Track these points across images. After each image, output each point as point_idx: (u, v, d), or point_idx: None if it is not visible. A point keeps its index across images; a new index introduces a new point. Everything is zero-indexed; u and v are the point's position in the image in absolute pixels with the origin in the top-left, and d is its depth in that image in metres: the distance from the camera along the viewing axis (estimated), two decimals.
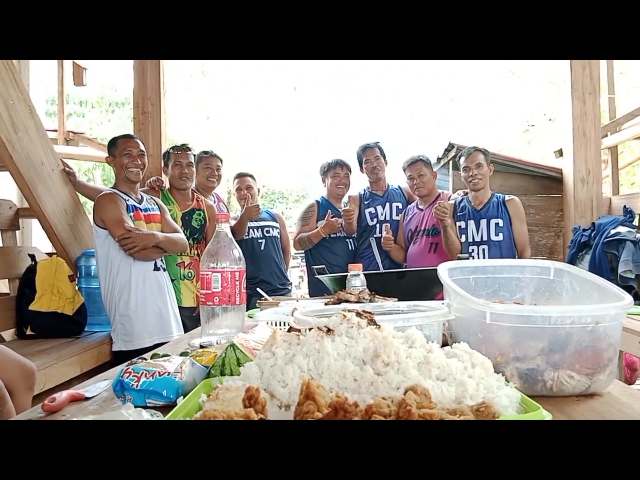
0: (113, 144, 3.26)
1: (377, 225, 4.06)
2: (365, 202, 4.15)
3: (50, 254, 3.87)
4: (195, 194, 3.80)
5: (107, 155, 3.31)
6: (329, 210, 4.00)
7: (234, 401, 0.86)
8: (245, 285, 1.61)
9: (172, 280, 3.50)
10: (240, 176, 4.27)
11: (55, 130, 6.12)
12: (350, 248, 4.12)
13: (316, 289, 3.89)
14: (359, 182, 4.42)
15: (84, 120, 15.88)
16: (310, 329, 1.00)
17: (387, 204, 4.11)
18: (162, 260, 3.31)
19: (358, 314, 1.03)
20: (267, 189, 20.54)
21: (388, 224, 3.91)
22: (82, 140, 6.36)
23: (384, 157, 4.14)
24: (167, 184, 3.80)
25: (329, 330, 0.99)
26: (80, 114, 16.15)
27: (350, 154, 4.38)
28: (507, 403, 0.87)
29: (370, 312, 1.06)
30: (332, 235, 4.06)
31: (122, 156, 3.17)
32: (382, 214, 4.09)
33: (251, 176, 4.32)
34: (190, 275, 3.61)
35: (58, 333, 3.41)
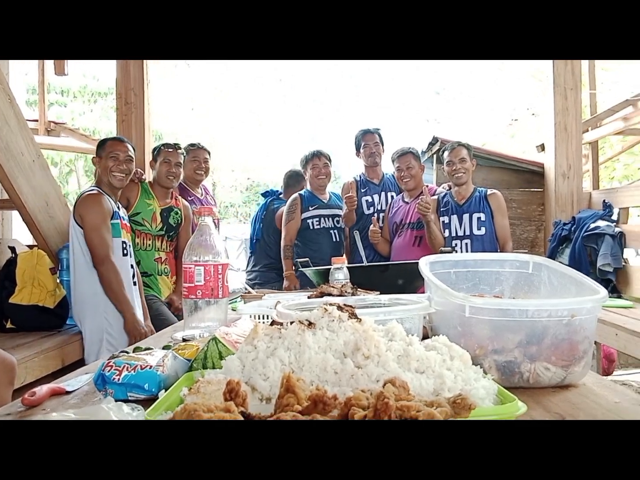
0: (102, 144, 3.19)
1: (375, 214, 4.03)
2: (362, 190, 4.13)
3: (31, 246, 3.82)
4: (174, 192, 3.76)
5: (94, 154, 3.22)
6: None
7: (215, 394, 0.87)
8: (227, 279, 1.62)
9: (150, 275, 3.54)
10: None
11: (36, 120, 6.03)
12: (334, 240, 4.12)
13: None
14: (355, 168, 4.40)
15: (66, 110, 15.70)
16: (291, 323, 1.00)
17: (383, 193, 4.12)
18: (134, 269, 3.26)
19: (339, 308, 1.04)
20: (252, 181, 20.49)
21: (375, 217, 3.92)
22: (63, 131, 6.27)
23: (382, 145, 4.14)
24: (146, 177, 3.77)
25: (310, 323, 1.00)
26: (62, 104, 15.96)
27: (334, 145, 4.36)
28: (484, 395, 0.89)
29: (351, 306, 1.07)
30: (316, 227, 4.07)
31: (108, 159, 3.10)
32: (379, 204, 4.09)
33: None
34: (166, 270, 3.64)
35: (39, 326, 3.38)
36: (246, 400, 0.78)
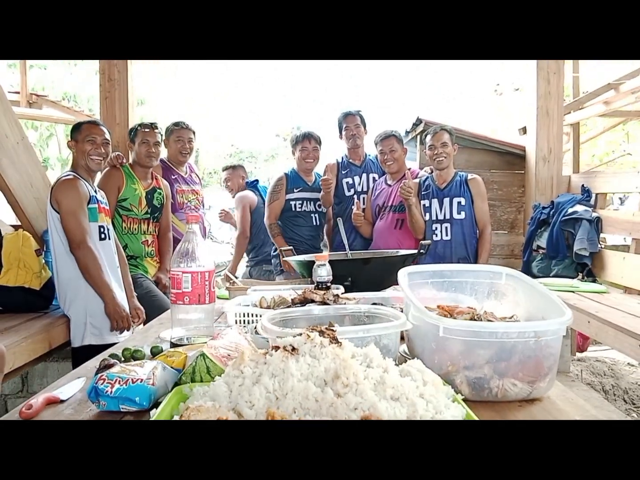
0: (77, 128, 3.13)
1: (355, 196, 4.07)
2: (343, 172, 4.16)
3: (15, 227, 3.83)
4: (153, 172, 3.76)
5: (69, 138, 3.17)
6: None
7: None
8: (214, 285, 1.67)
9: (137, 258, 3.59)
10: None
11: (18, 92, 5.94)
12: (315, 223, 4.16)
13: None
14: (338, 149, 4.40)
15: (46, 73, 15.33)
16: (276, 350, 1.07)
17: (364, 175, 4.14)
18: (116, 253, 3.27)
19: (321, 333, 1.10)
20: (236, 148, 20.33)
21: (358, 200, 3.97)
22: (45, 103, 6.18)
23: (364, 126, 4.15)
24: (127, 160, 3.78)
25: (293, 349, 1.07)
26: (42, 67, 15.57)
27: (334, 144, 4.37)
28: None
29: (332, 330, 1.13)
30: (298, 209, 4.12)
31: (85, 142, 3.04)
32: (359, 185, 4.11)
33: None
34: (152, 253, 3.71)
35: (25, 308, 3.41)
36: None
